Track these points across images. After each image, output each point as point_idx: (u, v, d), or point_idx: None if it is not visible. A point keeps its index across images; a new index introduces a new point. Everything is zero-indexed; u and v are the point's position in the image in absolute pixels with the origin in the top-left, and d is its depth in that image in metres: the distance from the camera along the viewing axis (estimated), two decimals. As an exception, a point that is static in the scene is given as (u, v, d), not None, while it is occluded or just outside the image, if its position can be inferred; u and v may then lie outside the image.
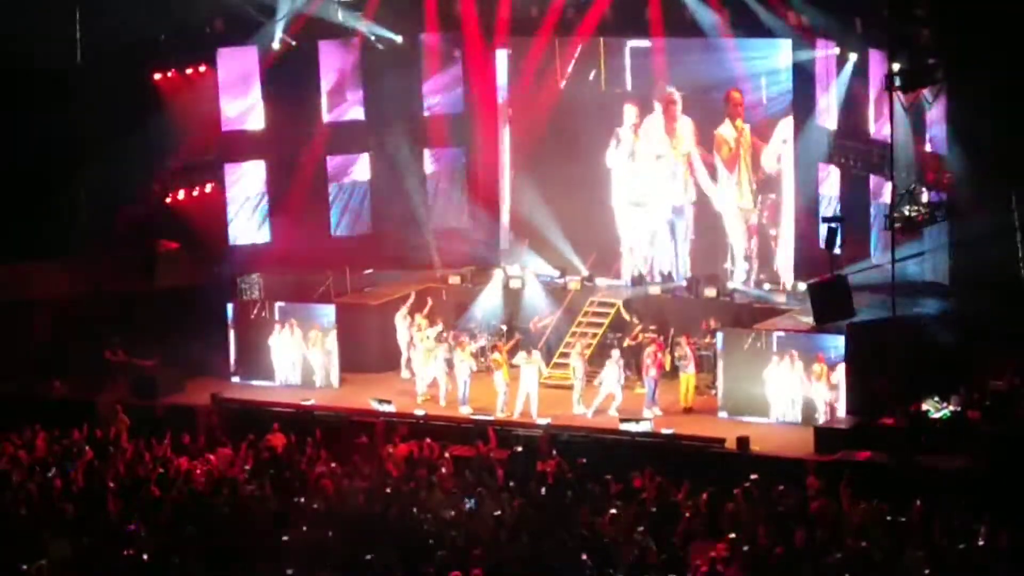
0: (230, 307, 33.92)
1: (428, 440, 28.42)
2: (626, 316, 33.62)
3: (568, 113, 35.92)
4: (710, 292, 33.93)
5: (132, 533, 23.42)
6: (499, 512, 24.17)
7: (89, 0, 32.65)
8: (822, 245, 30.59)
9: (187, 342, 32.92)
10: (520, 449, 28.18)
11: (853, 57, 31.68)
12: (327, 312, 33.52)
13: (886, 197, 30.47)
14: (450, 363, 32.26)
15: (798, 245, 33.97)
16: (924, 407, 28.27)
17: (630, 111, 35.53)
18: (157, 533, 23.56)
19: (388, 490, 25.45)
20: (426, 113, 36.91)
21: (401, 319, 33.64)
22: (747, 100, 34.38)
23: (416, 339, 32.85)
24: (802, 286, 32.88)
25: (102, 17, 32.45)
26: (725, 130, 34.75)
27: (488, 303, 35.39)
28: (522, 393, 31.08)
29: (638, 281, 35.13)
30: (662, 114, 35.23)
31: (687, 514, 24.32)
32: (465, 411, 31.45)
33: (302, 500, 25.14)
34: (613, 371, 31.12)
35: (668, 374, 32.04)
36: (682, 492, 25.31)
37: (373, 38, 35.56)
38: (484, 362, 33.33)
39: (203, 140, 34.68)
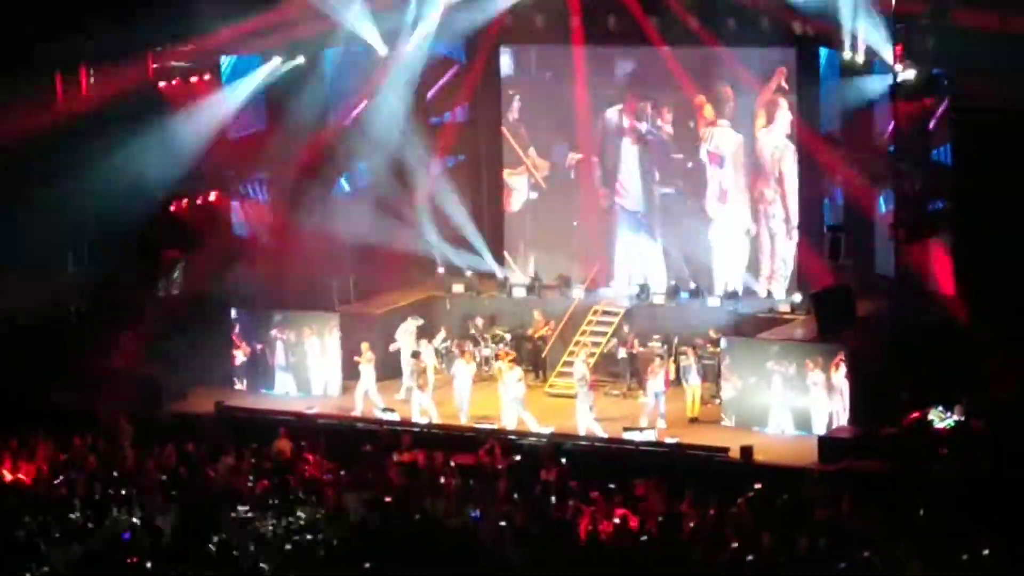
0: (234, 314, 33.93)
1: (432, 449, 28.40)
2: (624, 327, 33.65)
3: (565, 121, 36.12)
4: (713, 302, 33.94)
5: (135, 541, 23.42)
6: (503, 522, 24.16)
7: (93, 8, 32.54)
8: (826, 255, 30.63)
9: (191, 350, 32.94)
10: (519, 458, 28.16)
11: (857, 66, 31.69)
12: (331, 320, 33.51)
13: (890, 206, 30.48)
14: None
15: (801, 254, 33.98)
16: (928, 416, 28.26)
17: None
18: (160, 541, 23.56)
19: (391, 499, 25.44)
20: (431, 121, 36.92)
21: (404, 334, 33.63)
22: (750, 106, 34.44)
23: (424, 354, 32.75)
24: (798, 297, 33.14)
25: (106, 25, 32.39)
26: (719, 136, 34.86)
27: (491, 311, 35.38)
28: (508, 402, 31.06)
29: (642, 290, 35.08)
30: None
31: (691, 523, 24.29)
32: (468, 420, 31.41)
33: (306, 508, 25.13)
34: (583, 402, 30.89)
35: (672, 384, 32.15)
36: (686, 501, 25.28)
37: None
38: (488, 371, 33.34)
39: (207, 147, 34.63)
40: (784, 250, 34.48)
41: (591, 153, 36.10)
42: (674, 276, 35.06)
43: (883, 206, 31.95)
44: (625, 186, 35.84)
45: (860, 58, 31.45)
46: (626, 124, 35.52)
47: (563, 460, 27.57)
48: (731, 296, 34.09)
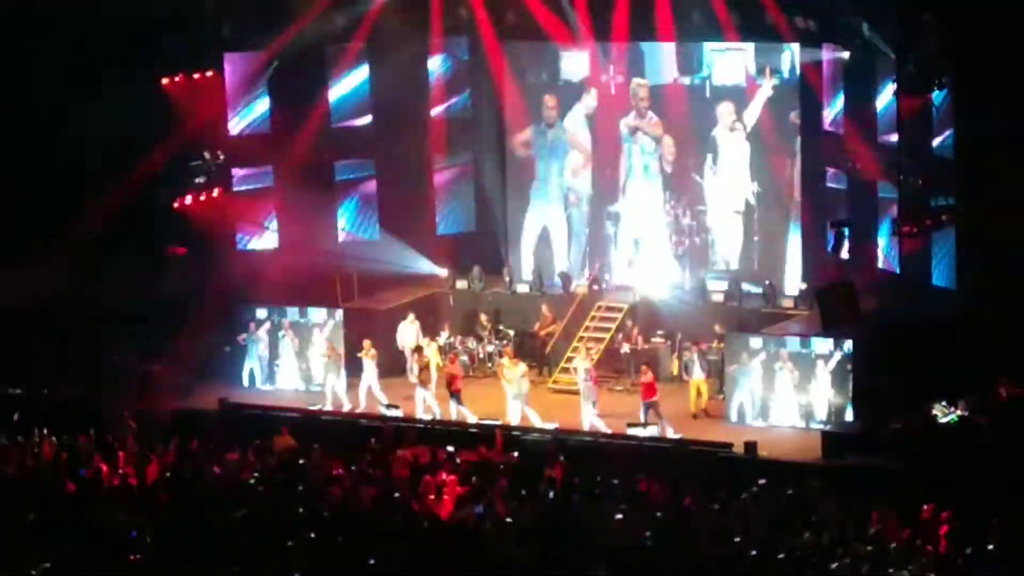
0: (238, 310, 33.94)
1: (436, 445, 28.39)
2: (628, 322, 33.65)
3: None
4: (717, 297, 33.92)
5: (138, 538, 23.44)
6: (509, 518, 24.15)
7: (95, 6, 32.59)
8: (829, 250, 30.60)
9: (195, 346, 32.94)
10: (516, 454, 28.12)
11: (860, 61, 31.66)
12: (334, 316, 33.51)
13: (894, 202, 30.45)
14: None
15: (805, 250, 33.95)
16: (932, 412, 28.25)
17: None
18: (164, 538, 23.57)
19: (396, 495, 25.44)
20: (434, 117, 36.88)
21: (406, 327, 33.66)
22: (755, 104, 34.42)
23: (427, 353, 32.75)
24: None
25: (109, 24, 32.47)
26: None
27: (495, 308, 35.36)
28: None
29: (648, 287, 35.03)
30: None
31: (695, 519, 24.28)
32: (472, 417, 31.39)
33: (310, 504, 25.14)
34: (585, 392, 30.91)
35: (676, 379, 32.14)
36: (690, 497, 25.27)
37: None
38: (491, 367, 33.33)
39: (211, 144, 34.64)
40: (797, 246, 34.44)
41: (607, 154, 36.05)
42: (693, 276, 34.94)
43: (887, 201, 31.91)
44: (641, 188, 35.77)
45: (861, 52, 31.46)
46: (641, 122, 35.46)
47: (562, 457, 27.55)
48: (733, 292, 34.04)
